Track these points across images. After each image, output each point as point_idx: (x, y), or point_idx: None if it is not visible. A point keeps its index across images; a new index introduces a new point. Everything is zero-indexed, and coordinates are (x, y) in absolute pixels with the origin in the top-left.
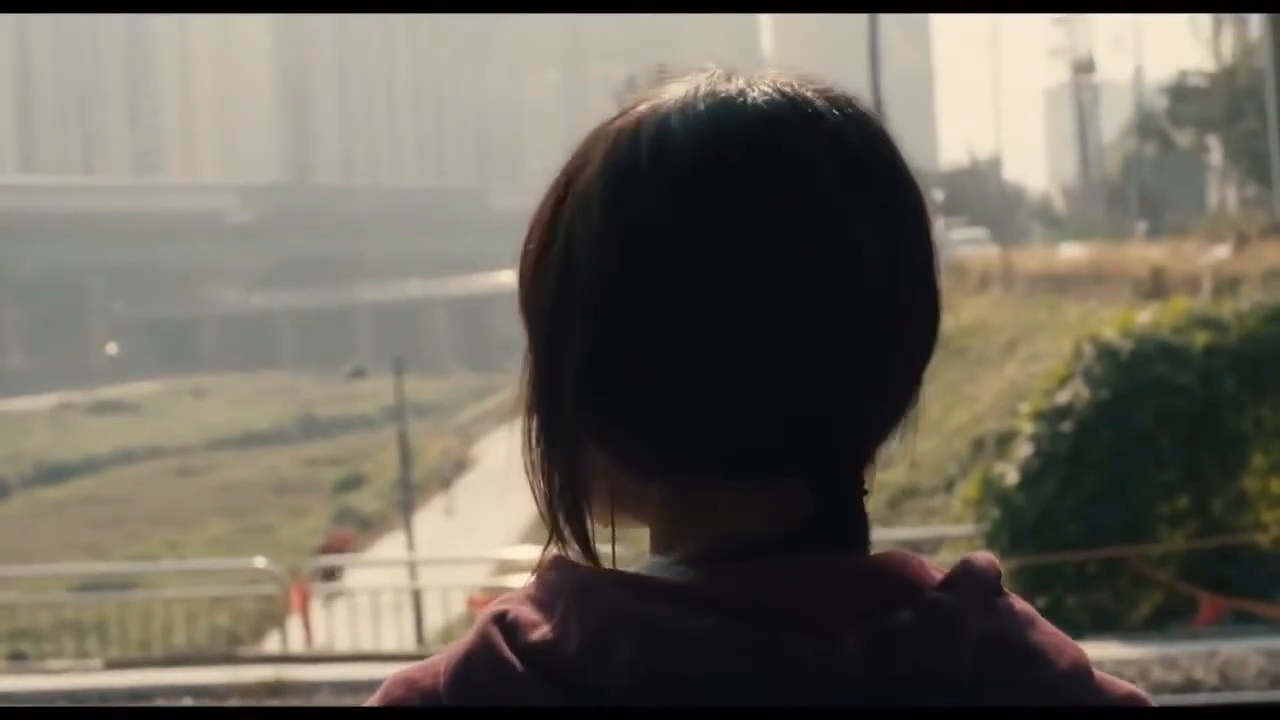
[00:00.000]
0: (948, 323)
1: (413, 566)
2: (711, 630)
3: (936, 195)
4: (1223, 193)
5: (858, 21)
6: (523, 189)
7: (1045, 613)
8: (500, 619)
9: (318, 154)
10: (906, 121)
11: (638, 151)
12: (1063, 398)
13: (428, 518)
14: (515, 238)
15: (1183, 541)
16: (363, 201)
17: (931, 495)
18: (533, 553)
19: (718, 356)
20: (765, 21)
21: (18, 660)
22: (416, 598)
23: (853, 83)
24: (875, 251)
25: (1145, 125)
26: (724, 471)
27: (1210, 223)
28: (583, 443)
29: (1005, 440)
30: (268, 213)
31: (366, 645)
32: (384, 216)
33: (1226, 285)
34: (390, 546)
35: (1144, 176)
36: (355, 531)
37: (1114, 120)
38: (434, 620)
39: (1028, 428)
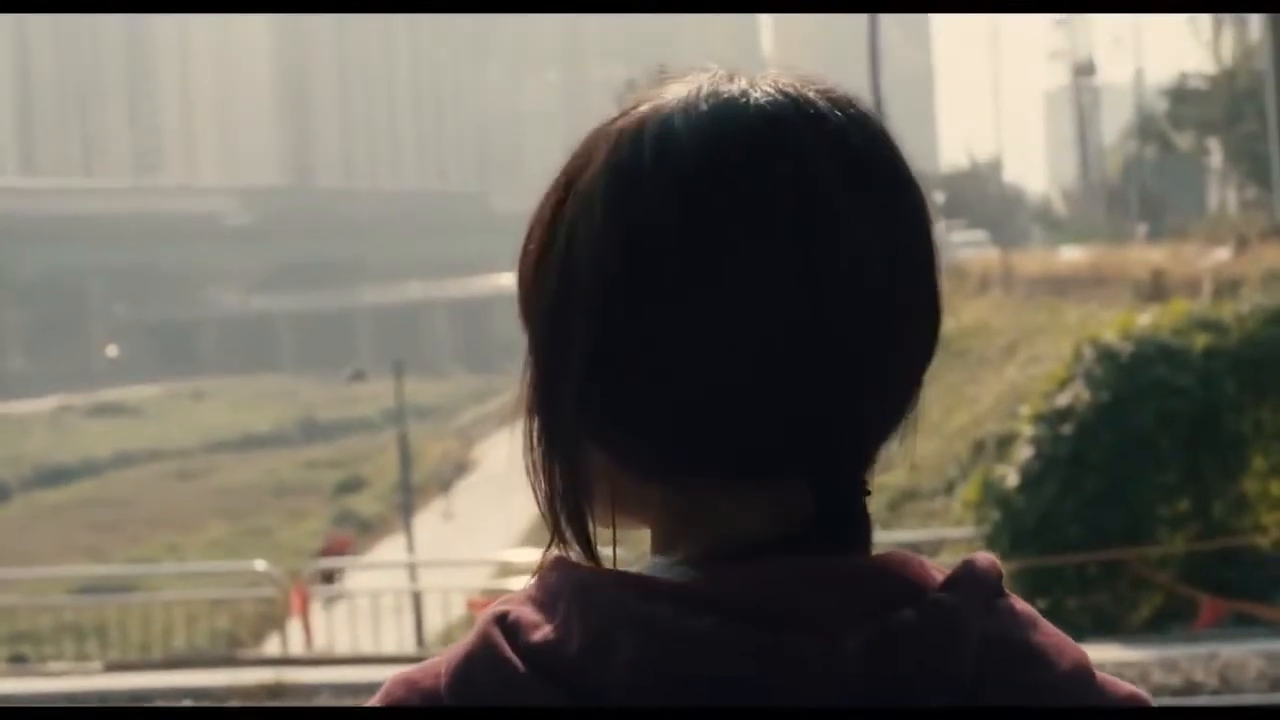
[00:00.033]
0: (948, 325)
1: (413, 569)
2: (713, 631)
3: (937, 198)
4: (1223, 195)
5: (858, 21)
6: (523, 191)
7: (1045, 615)
8: (501, 620)
9: (318, 156)
10: (906, 122)
11: (641, 151)
12: (1063, 400)
13: (428, 520)
14: (515, 240)
15: (1183, 544)
16: (363, 204)
17: (932, 497)
18: (533, 555)
19: (719, 357)
20: (765, 21)
21: (18, 662)
22: (416, 600)
23: (853, 83)
24: (876, 252)
25: (1145, 128)
26: (725, 472)
27: (1210, 225)
28: (583, 443)
29: (1005, 442)
30: (267, 215)
31: (366, 648)
32: (384, 219)
33: (1227, 287)
34: (390, 549)
35: (1144, 179)
36: (355, 534)
37: (1114, 123)
38: (434, 623)
39: (1028, 430)
